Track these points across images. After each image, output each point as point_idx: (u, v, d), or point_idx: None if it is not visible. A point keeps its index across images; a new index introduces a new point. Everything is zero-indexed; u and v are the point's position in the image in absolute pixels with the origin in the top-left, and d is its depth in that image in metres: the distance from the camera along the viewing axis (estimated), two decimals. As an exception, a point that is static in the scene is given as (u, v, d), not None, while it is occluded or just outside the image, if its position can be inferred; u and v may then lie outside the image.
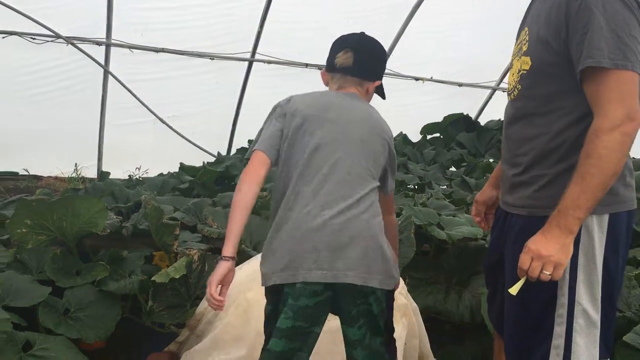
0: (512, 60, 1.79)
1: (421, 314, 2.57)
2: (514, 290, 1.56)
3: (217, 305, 1.66)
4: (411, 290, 2.68)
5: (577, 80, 1.51)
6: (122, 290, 2.73)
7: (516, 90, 1.71)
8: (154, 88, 6.38)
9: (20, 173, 6.34)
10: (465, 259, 2.97)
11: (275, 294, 1.72)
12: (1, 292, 2.41)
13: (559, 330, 1.57)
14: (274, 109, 1.84)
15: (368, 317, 1.69)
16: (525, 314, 1.65)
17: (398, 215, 3.20)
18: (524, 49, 1.69)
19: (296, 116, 1.76)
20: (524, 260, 1.52)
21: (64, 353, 2.31)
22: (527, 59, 1.66)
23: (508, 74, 1.81)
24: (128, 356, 2.75)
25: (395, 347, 1.89)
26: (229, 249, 1.66)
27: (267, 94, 6.78)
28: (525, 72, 1.67)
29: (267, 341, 1.74)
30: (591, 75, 1.47)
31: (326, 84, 1.95)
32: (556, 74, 1.58)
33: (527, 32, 1.70)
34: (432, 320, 2.96)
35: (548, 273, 1.49)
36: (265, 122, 1.83)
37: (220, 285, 1.67)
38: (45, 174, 6.40)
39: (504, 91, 7.48)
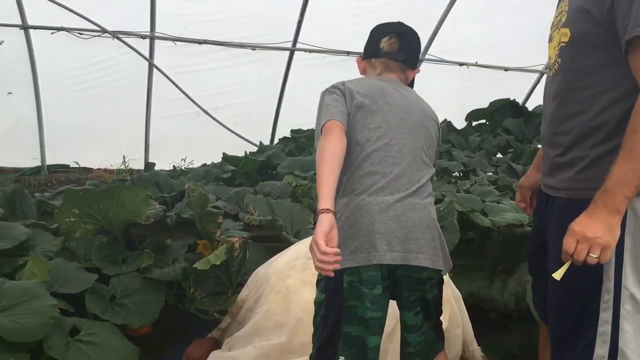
0: (551, 33, 1.70)
1: (465, 302, 2.51)
2: (558, 275, 1.50)
3: (329, 263, 1.42)
4: (454, 277, 2.63)
5: (622, 52, 1.43)
6: (166, 277, 2.78)
7: (556, 65, 1.63)
8: (197, 80, 6.47)
9: (71, 166, 6.54)
10: (510, 246, 2.88)
11: (332, 279, 1.61)
12: (49, 279, 2.48)
13: (605, 316, 1.50)
14: (330, 90, 1.76)
15: (424, 303, 1.70)
16: (569, 300, 1.58)
17: (440, 201, 3.13)
18: (563, 20, 1.61)
19: (355, 97, 1.73)
20: (569, 244, 1.45)
21: (110, 338, 2.37)
22: (566, 30, 1.57)
23: (548, 47, 1.72)
24: (172, 342, 2.80)
25: (442, 331, 1.86)
26: (325, 201, 1.48)
27: (309, 84, 6.78)
28: (564, 44, 1.59)
29: (347, 331, 1.63)
30: (638, 45, 1.39)
31: (362, 71, 1.94)
32: (597, 45, 1.49)
33: (567, 3, 1.61)
34: (477, 308, 2.89)
35: (595, 256, 1.41)
36: (324, 103, 1.73)
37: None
38: (94, 167, 6.59)
39: (552, 74, 7.24)
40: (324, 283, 1.70)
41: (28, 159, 6.32)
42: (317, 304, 1.74)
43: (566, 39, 1.57)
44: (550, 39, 1.70)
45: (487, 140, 6.17)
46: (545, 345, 1.88)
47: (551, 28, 1.71)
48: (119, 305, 2.65)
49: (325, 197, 1.49)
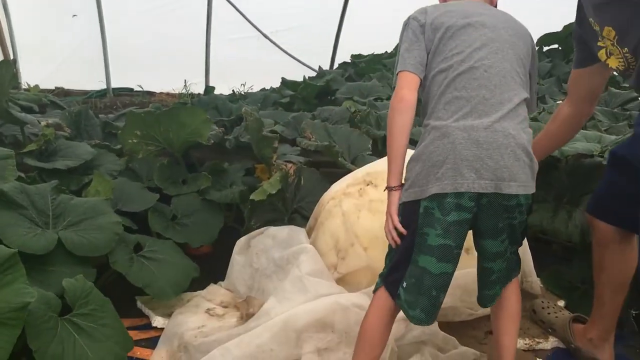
0: None
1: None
2: None
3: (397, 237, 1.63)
4: (515, 208, 2.54)
5: None
6: (224, 200, 2.83)
7: None
8: (257, 2, 6.35)
9: (135, 89, 6.68)
10: (578, 176, 2.74)
11: (409, 204, 1.61)
12: (114, 197, 2.57)
13: None
14: (409, 23, 1.72)
15: (511, 229, 1.63)
16: None
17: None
18: None
19: (437, 28, 1.68)
20: None
21: (172, 255, 2.45)
22: None
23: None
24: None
25: (519, 255, 1.81)
26: (397, 177, 1.65)
27: (372, 7, 6.55)
28: None
29: (415, 258, 1.61)
30: None
31: None
32: None
33: None
34: (538, 240, 2.81)
35: None
36: (403, 40, 1.71)
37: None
38: (157, 91, 6.70)
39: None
40: (401, 207, 1.65)
41: (94, 82, 6.48)
42: None
43: None
44: None
45: (559, 66, 5.83)
46: (605, 248, 1.93)
47: None
48: (180, 225, 2.72)
49: (397, 173, 1.64)
